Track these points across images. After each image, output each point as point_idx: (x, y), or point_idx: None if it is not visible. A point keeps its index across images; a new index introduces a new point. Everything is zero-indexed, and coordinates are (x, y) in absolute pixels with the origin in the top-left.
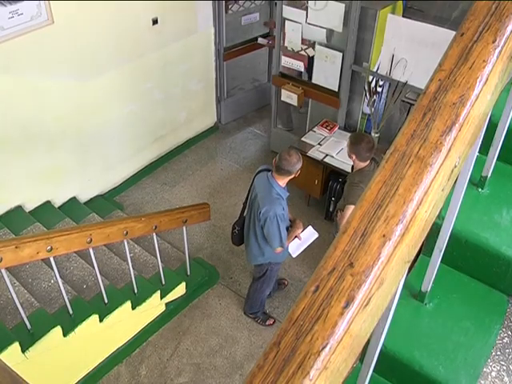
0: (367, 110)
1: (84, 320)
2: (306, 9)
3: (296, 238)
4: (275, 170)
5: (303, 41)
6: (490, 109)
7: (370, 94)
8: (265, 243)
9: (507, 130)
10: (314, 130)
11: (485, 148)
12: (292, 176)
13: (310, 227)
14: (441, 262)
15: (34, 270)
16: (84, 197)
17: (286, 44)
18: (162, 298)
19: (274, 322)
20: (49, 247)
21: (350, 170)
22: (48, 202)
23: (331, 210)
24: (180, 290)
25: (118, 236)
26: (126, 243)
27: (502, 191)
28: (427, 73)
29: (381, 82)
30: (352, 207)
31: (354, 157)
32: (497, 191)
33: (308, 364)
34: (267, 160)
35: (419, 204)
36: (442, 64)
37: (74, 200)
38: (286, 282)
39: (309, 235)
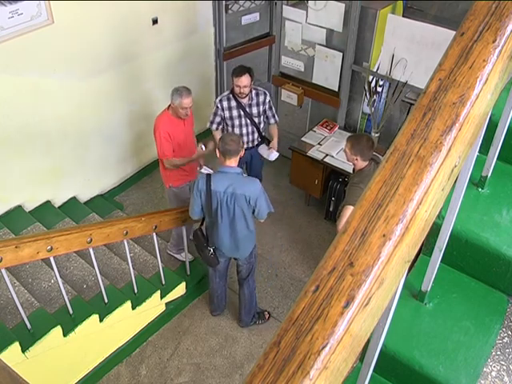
0: (367, 110)
1: (84, 320)
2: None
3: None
4: (228, 156)
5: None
6: (490, 108)
7: (370, 94)
8: (253, 225)
9: (507, 130)
10: (314, 129)
11: (485, 148)
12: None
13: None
14: (441, 261)
15: (34, 269)
16: (84, 197)
17: (285, 44)
18: (162, 298)
19: (269, 317)
20: (49, 247)
21: (350, 169)
22: (48, 202)
23: (331, 209)
24: (180, 289)
25: (117, 236)
26: (126, 243)
27: (502, 191)
28: (427, 73)
29: (381, 82)
30: (350, 207)
31: (357, 158)
32: (497, 191)
33: (308, 364)
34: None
35: (419, 204)
36: (442, 64)
37: (73, 200)
38: (268, 316)
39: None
